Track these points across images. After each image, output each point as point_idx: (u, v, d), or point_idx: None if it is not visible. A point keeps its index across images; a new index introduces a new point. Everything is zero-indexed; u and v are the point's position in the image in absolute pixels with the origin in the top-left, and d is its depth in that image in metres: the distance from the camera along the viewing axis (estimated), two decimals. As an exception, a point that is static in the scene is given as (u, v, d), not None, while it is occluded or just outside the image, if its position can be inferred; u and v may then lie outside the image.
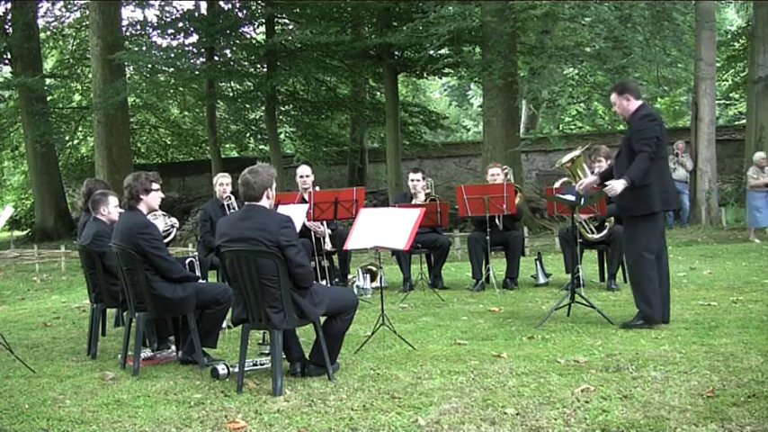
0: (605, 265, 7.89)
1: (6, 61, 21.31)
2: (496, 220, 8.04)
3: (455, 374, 4.37)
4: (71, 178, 24.06)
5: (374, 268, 8.31)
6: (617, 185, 5.41)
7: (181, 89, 19.50)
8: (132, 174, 5.08)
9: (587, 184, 5.89)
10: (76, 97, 24.67)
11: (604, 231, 7.48)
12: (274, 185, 4.48)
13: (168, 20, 19.45)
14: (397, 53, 17.45)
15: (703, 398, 3.69)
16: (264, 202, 4.39)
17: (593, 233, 7.49)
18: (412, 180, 8.54)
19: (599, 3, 12.75)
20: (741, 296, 6.68)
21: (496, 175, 8.25)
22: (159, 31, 19.17)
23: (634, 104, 5.58)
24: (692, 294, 6.95)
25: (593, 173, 6.46)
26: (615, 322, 5.66)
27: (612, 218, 7.44)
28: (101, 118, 17.79)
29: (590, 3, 12.72)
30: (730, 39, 21.06)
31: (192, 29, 18.09)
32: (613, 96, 5.73)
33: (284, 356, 4.50)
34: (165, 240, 5.53)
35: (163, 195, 5.30)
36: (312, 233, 7.75)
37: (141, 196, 4.98)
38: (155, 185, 5.09)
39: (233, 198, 7.66)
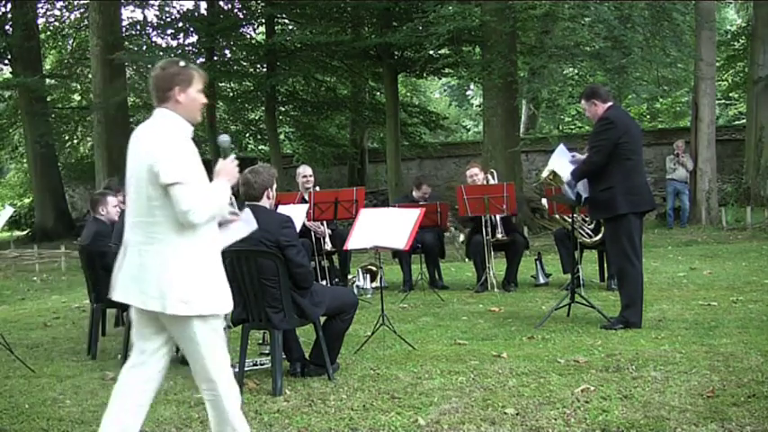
0: (605, 265, 7.89)
1: (6, 61, 21.28)
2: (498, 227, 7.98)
3: (455, 374, 4.37)
4: (71, 178, 24.03)
5: (374, 268, 8.31)
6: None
7: (181, 89, 19.45)
8: None
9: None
10: (76, 97, 24.63)
11: (601, 234, 7.44)
12: (275, 185, 4.48)
13: (168, 20, 19.46)
14: (396, 53, 17.43)
15: (703, 398, 3.69)
16: (265, 202, 4.39)
17: (589, 237, 7.45)
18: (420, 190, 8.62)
19: (599, 3, 12.73)
20: (741, 296, 6.67)
21: (475, 175, 8.06)
22: (159, 31, 19.16)
23: (602, 108, 5.60)
24: (692, 294, 6.94)
25: None
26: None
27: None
28: (101, 118, 17.76)
29: (590, 3, 12.70)
30: (730, 39, 21.02)
31: (191, 29, 18.09)
32: (583, 103, 5.79)
33: (284, 356, 4.50)
34: None
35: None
36: (312, 233, 7.76)
37: None
38: None
39: (233, 198, 7.65)
